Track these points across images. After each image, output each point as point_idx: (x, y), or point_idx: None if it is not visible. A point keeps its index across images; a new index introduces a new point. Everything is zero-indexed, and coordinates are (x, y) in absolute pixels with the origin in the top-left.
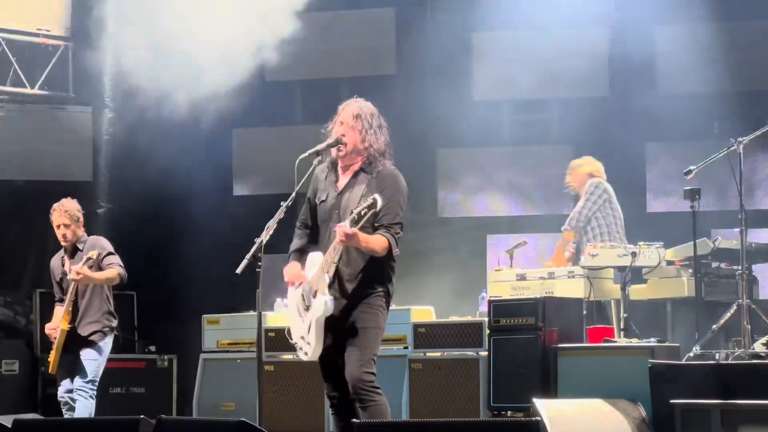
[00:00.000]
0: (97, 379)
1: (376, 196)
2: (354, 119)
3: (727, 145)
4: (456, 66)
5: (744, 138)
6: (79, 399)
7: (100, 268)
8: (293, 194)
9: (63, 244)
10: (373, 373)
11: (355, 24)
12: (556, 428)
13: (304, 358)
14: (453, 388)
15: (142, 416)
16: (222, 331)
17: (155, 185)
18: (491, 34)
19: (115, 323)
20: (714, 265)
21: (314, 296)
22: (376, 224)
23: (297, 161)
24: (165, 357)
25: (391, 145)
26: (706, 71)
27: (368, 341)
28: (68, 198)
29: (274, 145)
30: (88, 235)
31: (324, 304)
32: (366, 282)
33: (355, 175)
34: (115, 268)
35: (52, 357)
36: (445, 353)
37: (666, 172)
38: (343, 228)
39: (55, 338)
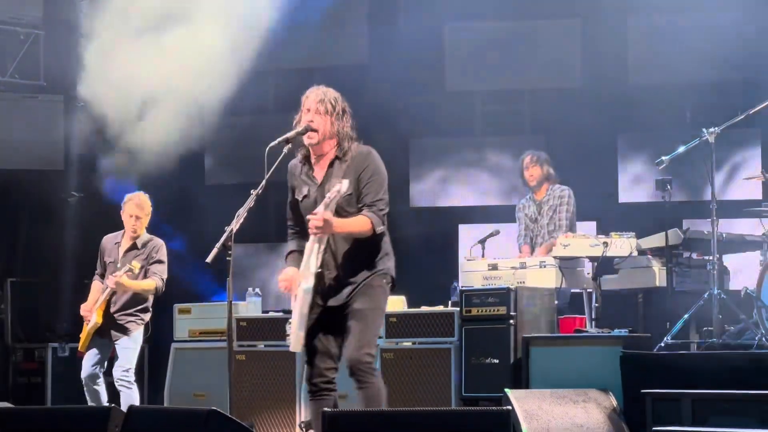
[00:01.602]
0: (133, 367)
1: (344, 181)
2: (319, 104)
3: (698, 136)
4: (428, 56)
5: (716, 128)
6: (123, 391)
7: (147, 271)
8: (263, 182)
9: (132, 235)
10: (371, 355)
11: (329, 13)
12: (528, 418)
13: (289, 348)
14: (425, 378)
15: (113, 405)
16: (193, 320)
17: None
18: (464, 24)
19: (147, 317)
20: (685, 255)
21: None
22: (359, 204)
23: (267, 149)
24: None
25: (356, 128)
26: (678, 61)
27: (367, 322)
28: (142, 192)
29: (246, 134)
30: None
31: (302, 292)
32: (360, 264)
33: (331, 165)
34: (154, 279)
35: (83, 338)
36: (417, 343)
37: (638, 162)
38: (312, 219)
39: (89, 321)
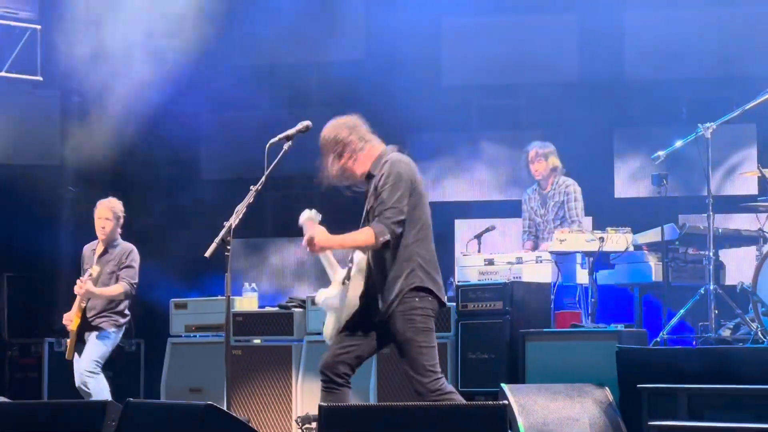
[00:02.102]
0: (102, 361)
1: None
2: (324, 146)
3: (695, 131)
4: (425, 51)
5: (712, 123)
6: (89, 381)
7: (117, 276)
8: (263, 178)
9: (101, 237)
10: (435, 380)
11: (324, 8)
12: (524, 413)
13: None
14: None
15: (109, 399)
16: (189, 316)
17: (123, 170)
18: (460, 19)
19: (123, 321)
20: (681, 250)
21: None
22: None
23: (267, 145)
24: (133, 341)
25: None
26: (674, 57)
27: (413, 354)
28: (115, 198)
29: (242, 130)
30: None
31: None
32: (394, 279)
33: (368, 180)
34: (121, 285)
35: (69, 343)
36: None
37: (634, 157)
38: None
39: (71, 329)
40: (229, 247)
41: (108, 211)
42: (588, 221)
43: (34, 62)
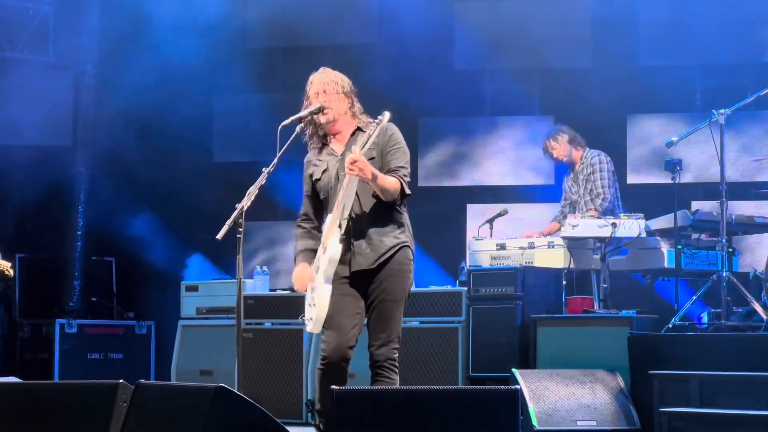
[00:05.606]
0: None
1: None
2: (327, 85)
3: (708, 117)
4: (438, 35)
5: (726, 109)
6: None
7: None
8: (275, 160)
9: None
10: (399, 349)
11: None
12: (535, 398)
13: (309, 327)
14: (432, 357)
15: (120, 381)
16: (201, 298)
17: (135, 151)
18: (474, 3)
19: None
20: (694, 236)
21: (323, 251)
22: (384, 171)
23: (279, 127)
24: (143, 323)
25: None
26: (688, 42)
27: (396, 315)
28: None
29: (255, 112)
30: None
31: (333, 247)
32: (384, 232)
33: (353, 134)
34: None
35: None
36: (425, 322)
37: (647, 143)
38: (350, 156)
39: None
40: (240, 230)
41: None
42: None
43: (46, 43)
